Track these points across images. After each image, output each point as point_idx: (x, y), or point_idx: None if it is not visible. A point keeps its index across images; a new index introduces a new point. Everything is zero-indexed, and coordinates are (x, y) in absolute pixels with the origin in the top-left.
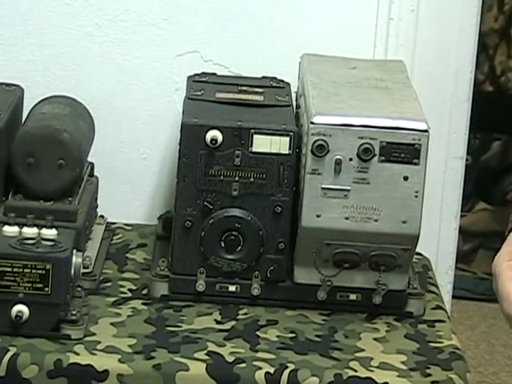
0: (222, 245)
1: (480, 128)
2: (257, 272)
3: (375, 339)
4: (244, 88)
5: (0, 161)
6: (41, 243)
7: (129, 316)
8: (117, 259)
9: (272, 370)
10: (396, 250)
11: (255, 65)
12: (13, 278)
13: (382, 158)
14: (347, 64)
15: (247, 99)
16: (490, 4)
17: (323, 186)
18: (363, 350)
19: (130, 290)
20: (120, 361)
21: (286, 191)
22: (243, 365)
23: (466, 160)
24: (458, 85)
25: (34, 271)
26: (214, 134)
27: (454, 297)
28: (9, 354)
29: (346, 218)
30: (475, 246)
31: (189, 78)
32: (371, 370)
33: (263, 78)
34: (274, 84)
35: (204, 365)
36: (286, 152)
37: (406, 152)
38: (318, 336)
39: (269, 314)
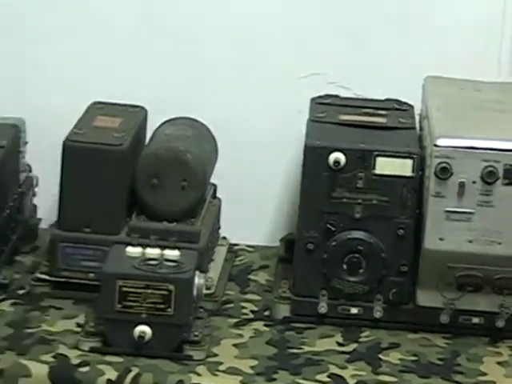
0: (345, 267)
1: None
2: (379, 295)
3: (498, 363)
4: (367, 110)
5: (124, 182)
6: (164, 264)
7: (251, 337)
8: (239, 281)
9: None
10: None
11: (378, 87)
12: (135, 299)
13: (506, 180)
14: (471, 86)
15: (370, 121)
16: None
17: (447, 208)
18: (486, 374)
19: (252, 311)
20: (242, 382)
21: (408, 214)
22: None
23: None
24: None
25: (156, 292)
26: (337, 156)
27: None
28: (131, 374)
29: (470, 241)
30: None
31: (312, 99)
32: None
33: (386, 100)
34: (397, 106)
35: None
36: (409, 174)
37: None
38: (440, 359)
39: (391, 336)
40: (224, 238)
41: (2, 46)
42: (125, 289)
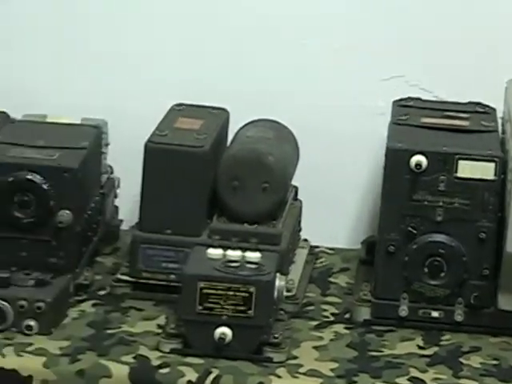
0: (426, 270)
1: None
2: (460, 298)
3: None
4: (449, 113)
5: (205, 183)
6: (245, 266)
7: (331, 340)
8: (319, 283)
9: None
10: None
11: (460, 90)
12: (216, 301)
13: None
14: None
15: (452, 124)
16: None
17: None
18: None
19: (332, 313)
20: None
21: (490, 217)
22: None
23: None
24: None
25: (237, 294)
26: (419, 158)
27: None
28: (211, 376)
29: None
30: None
31: (394, 102)
32: None
33: (469, 103)
34: (480, 109)
35: None
36: (491, 178)
37: None
38: None
39: (472, 340)
40: (305, 240)
41: (88, 47)
42: (206, 290)
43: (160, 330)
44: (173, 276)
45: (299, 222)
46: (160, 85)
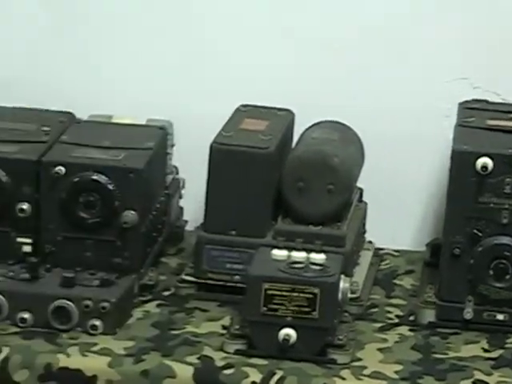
0: (491, 273)
1: None
2: None
3: None
4: None
5: (270, 185)
6: (309, 267)
7: (396, 342)
8: (384, 285)
9: None
10: None
11: None
12: (281, 302)
13: None
14: None
15: None
16: None
17: None
18: None
19: (397, 316)
20: None
21: None
22: None
23: None
24: None
25: (301, 295)
26: (485, 161)
27: None
28: (275, 377)
29: None
30: None
31: (460, 104)
32: None
33: None
34: None
35: None
36: None
37: None
38: None
39: None
40: (370, 242)
41: (152, 47)
42: (270, 292)
43: (224, 331)
44: (237, 277)
45: (364, 223)
46: (225, 86)
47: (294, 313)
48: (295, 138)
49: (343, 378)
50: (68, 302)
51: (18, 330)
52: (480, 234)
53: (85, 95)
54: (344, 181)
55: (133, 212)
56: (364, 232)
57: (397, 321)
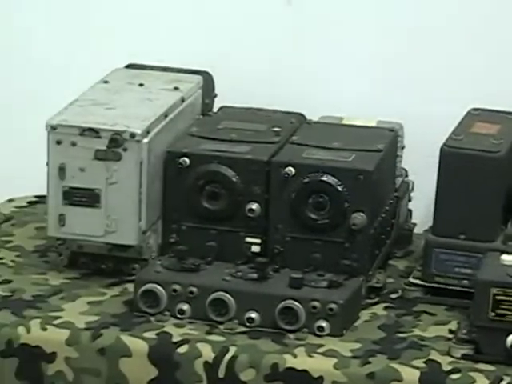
0: None
1: None
2: None
3: None
4: None
5: (500, 189)
6: None
7: None
8: None
9: None
10: None
11: None
12: (509, 307)
13: None
14: None
15: None
16: None
17: None
18: None
19: None
20: None
21: None
22: None
23: None
24: None
25: None
26: None
27: None
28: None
29: None
30: None
31: None
32: None
33: None
34: None
35: None
36: None
37: None
38: None
39: None
40: None
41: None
42: (498, 297)
43: (451, 335)
44: (465, 281)
45: None
46: (457, 89)
47: None
48: None
49: None
50: (296, 303)
51: (245, 329)
52: None
53: (316, 96)
54: None
55: (362, 214)
56: None
57: None
